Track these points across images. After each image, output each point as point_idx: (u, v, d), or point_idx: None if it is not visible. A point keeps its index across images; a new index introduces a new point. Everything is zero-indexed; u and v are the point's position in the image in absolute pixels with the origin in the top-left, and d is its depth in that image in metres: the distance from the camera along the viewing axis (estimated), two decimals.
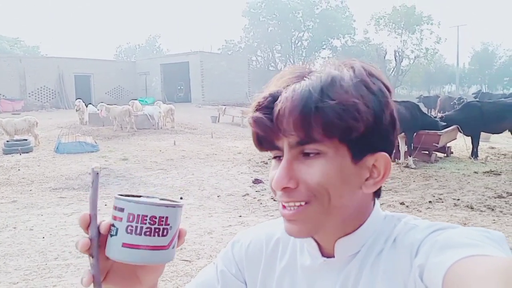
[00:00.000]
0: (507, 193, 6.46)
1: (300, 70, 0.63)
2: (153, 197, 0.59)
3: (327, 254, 0.67)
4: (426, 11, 44.63)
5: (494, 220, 5.26)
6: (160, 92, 30.98)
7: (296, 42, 47.12)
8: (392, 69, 41.93)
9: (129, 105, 15.81)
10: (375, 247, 0.63)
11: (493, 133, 11.16)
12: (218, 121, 18.28)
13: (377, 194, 0.66)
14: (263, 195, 6.80)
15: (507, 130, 10.23)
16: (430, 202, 6.14)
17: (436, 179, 7.54)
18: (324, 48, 47.52)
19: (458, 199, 6.22)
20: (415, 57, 42.26)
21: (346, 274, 0.64)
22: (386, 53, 41.68)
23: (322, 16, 45.14)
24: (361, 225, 0.65)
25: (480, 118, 9.64)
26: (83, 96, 21.88)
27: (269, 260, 0.76)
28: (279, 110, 0.58)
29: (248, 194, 6.86)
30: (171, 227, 0.56)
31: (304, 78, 0.60)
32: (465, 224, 5.01)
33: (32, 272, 3.91)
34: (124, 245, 0.54)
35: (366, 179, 0.62)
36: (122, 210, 0.55)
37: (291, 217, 0.61)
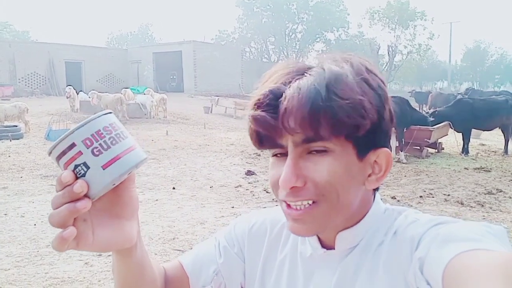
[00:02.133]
0: (496, 189, 6.55)
1: (296, 66, 0.61)
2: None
3: (327, 245, 0.68)
4: (420, 6, 44.65)
5: (483, 216, 5.33)
6: (152, 81, 30.77)
7: (290, 34, 46.98)
8: (385, 64, 42.07)
9: (121, 93, 15.67)
10: (375, 240, 0.64)
11: (484, 130, 11.29)
12: (211, 112, 18.23)
13: (376, 187, 0.67)
14: (255, 186, 6.82)
15: (498, 128, 10.36)
16: (421, 197, 6.20)
17: (427, 174, 7.61)
18: (317, 41, 47.47)
19: (449, 195, 6.30)
20: (408, 52, 42.46)
21: (344, 265, 0.65)
22: (379, 47, 41.84)
23: (316, 8, 45.02)
24: (361, 218, 0.65)
25: (471, 115, 9.75)
26: (74, 83, 21.63)
27: (271, 245, 0.76)
28: (285, 109, 0.56)
29: (240, 186, 6.86)
30: (122, 130, 0.54)
31: (305, 74, 0.59)
32: None
33: (24, 259, 3.88)
34: (105, 166, 0.51)
35: (369, 175, 0.62)
36: (73, 145, 0.51)
37: (299, 216, 0.60)
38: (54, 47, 28.06)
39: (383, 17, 41.56)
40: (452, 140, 10.41)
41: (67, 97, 15.95)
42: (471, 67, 59.02)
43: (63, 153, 0.51)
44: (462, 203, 5.87)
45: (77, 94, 16.57)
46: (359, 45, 43.32)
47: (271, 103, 0.58)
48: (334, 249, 0.66)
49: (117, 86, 28.79)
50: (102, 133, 0.52)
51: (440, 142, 10.12)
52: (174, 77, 33.46)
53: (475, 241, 0.49)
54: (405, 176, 7.53)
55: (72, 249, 0.53)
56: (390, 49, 41.41)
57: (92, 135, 0.51)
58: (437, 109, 10.89)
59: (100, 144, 0.51)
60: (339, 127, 0.56)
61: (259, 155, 9.26)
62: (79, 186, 0.50)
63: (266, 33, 45.74)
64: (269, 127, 0.58)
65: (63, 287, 3.43)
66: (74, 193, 0.50)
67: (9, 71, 26.02)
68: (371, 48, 41.19)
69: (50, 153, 0.53)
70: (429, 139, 9.08)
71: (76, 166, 0.51)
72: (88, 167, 0.51)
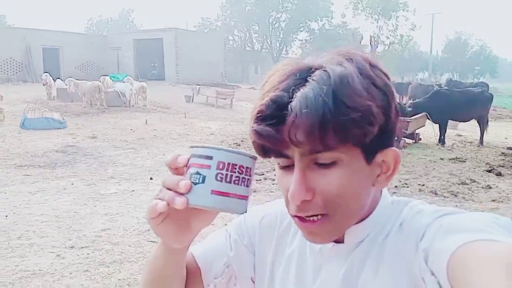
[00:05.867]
0: (470, 179, 6.70)
1: (296, 66, 0.59)
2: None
3: (336, 239, 0.68)
4: None
5: (456, 205, 5.45)
6: (132, 69, 30.22)
7: (274, 23, 46.68)
8: (367, 54, 42.26)
9: (100, 81, 15.36)
10: (383, 232, 0.65)
11: (460, 121, 11.49)
12: (192, 101, 18.06)
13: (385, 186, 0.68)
14: None
15: (474, 119, 10.56)
16: (396, 187, 6.30)
17: (403, 165, 7.72)
18: (301, 31, 47.31)
19: (423, 185, 6.41)
20: (390, 43, 42.77)
21: (352, 258, 0.66)
22: (362, 38, 41.90)
23: None
24: (370, 213, 0.66)
25: (448, 106, 9.90)
26: (52, 70, 21.10)
27: (281, 238, 0.77)
28: (292, 122, 0.54)
29: None
30: (250, 179, 0.57)
31: (308, 80, 0.56)
32: None
33: None
34: (214, 192, 0.54)
35: (378, 175, 0.62)
36: (210, 158, 0.54)
37: (315, 230, 0.60)
38: (31, 33, 27.22)
39: (366, 7, 41.66)
40: (429, 130, 10.58)
41: (44, 85, 15.54)
42: (451, 58, 59.79)
43: (200, 155, 0.55)
44: (436, 193, 5.99)
45: (54, 81, 16.18)
46: (343, 35, 43.40)
47: (274, 114, 0.55)
48: (343, 242, 0.67)
49: (96, 73, 28.15)
50: (235, 168, 0.55)
51: (417, 133, 10.27)
52: (155, 65, 32.93)
53: (480, 232, 0.49)
54: None
55: (153, 222, 0.58)
56: (373, 40, 41.57)
57: (228, 163, 0.55)
58: (415, 100, 11.02)
59: (226, 174, 0.54)
60: (347, 137, 0.55)
61: (239, 145, 9.25)
62: (184, 185, 0.54)
63: (249, 21, 45.37)
64: (274, 141, 0.56)
65: (34, 280, 3.38)
66: (177, 185, 0.54)
67: None
68: (354, 38, 41.28)
69: (192, 147, 0.57)
70: (406, 130, 9.21)
71: (197, 172, 0.55)
72: (203, 182, 0.54)
